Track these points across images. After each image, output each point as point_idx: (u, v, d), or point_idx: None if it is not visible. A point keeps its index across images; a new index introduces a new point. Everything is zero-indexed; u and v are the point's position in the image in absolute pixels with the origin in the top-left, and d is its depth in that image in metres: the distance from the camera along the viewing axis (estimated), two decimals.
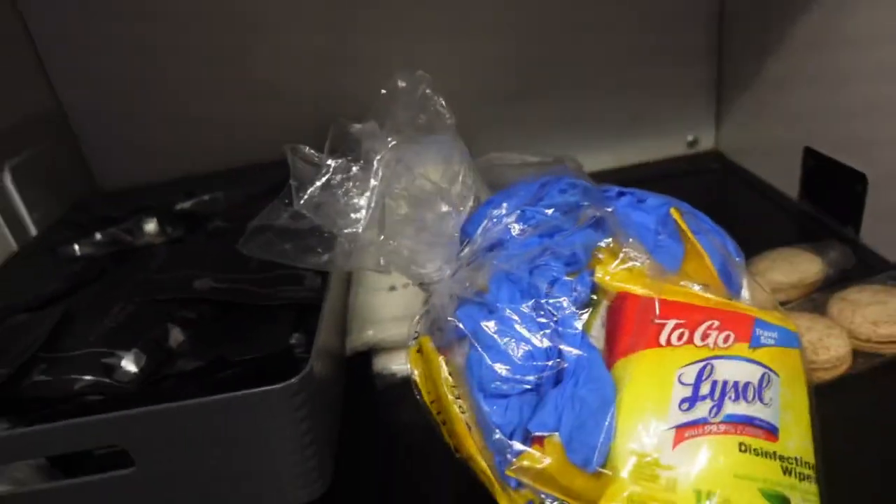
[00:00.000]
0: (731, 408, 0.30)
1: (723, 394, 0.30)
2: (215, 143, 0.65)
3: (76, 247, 0.50)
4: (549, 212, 0.39)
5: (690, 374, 0.30)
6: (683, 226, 0.40)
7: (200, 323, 0.39)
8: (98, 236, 0.51)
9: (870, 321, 0.41)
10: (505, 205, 0.39)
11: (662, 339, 0.31)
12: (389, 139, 0.38)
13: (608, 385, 0.31)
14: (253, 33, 0.62)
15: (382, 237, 0.36)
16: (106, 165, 0.67)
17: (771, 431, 0.30)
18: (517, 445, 0.31)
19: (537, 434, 0.31)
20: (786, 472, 0.29)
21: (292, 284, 0.42)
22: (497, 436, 0.32)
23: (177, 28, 0.61)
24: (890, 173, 0.49)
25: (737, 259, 0.41)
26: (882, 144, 0.49)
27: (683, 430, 0.29)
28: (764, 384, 0.30)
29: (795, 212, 0.60)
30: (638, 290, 0.33)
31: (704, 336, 0.31)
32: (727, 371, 0.31)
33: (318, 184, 0.35)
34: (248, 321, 0.39)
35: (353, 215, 0.36)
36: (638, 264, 0.34)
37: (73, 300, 0.43)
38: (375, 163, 0.37)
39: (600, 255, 0.35)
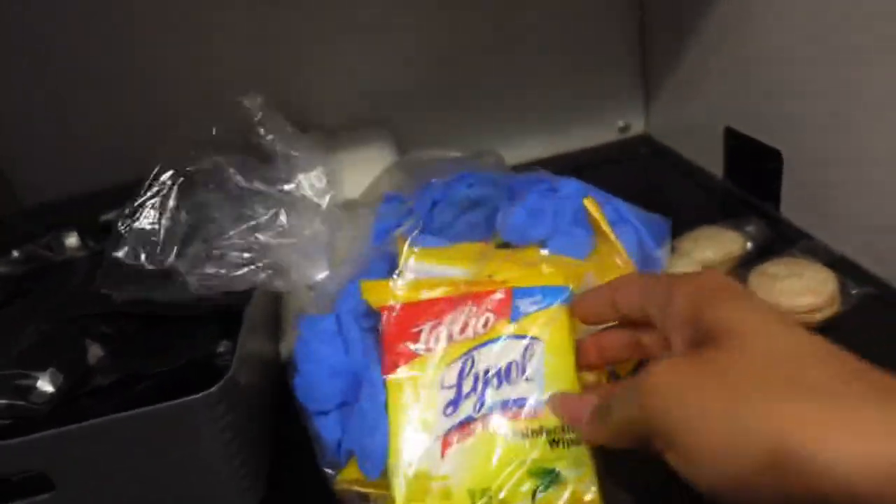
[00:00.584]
0: (493, 397, 0.30)
1: (485, 384, 0.30)
2: (139, 152, 0.63)
3: None
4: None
5: (452, 375, 0.31)
6: (597, 216, 0.41)
7: (120, 337, 0.38)
8: (15, 254, 0.49)
9: (789, 293, 0.42)
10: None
11: (420, 347, 0.32)
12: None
13: (382, 396, 0.31)
14: (174, 33, 0.61)
15: (249, 255, 0.36)
16: (27, 180, 0.65)
17: (535, 407, 0.30)
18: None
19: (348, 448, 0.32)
20: (553, 443, 0.29)
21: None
22: (327, 451, 0.33)
23: (87, 34, 0.59)
24: (801, 148, 0.51)
25: (653, 251, 0.42)
26: (792, 122, 0.51)
27: (450, 436, 0.30)
28: (527, 357, 0.31)
29: (720, 191, 0.62)
30: (392, 300, 0.33)
31: (463, 328, 0.32)
32: (489, 358, 0.31)
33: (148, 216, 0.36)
34: (170, 332, 0.38)
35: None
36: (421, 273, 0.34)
37: None
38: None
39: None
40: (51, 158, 0.63)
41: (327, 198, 0.43)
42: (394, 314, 0.32)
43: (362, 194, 0.48)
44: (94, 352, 0.37)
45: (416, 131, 0.67)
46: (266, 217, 0.38)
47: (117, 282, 0.34)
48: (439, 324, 0.32)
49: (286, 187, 0.41)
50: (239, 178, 0.38)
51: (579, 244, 0.41)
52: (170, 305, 0.40)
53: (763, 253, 0.48)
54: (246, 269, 0.36)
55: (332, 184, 0.43)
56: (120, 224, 0.35)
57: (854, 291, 0.43)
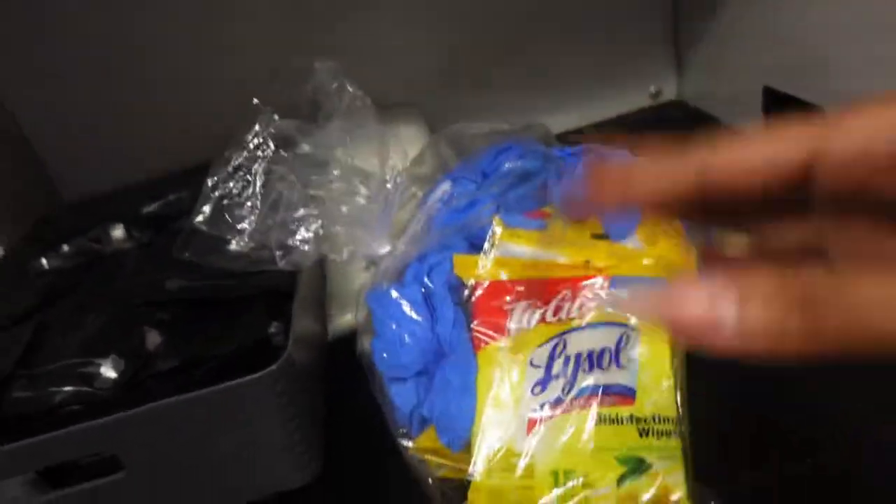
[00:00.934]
0: (584, 380, 0.30)
1: (576, 367, 0.30)
2: (173, 143, 0.64)
3: (44, 261, 0.49)
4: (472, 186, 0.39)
5: (542, 356, 0.31)
6: None
7: (176, 323, 0.39)
8: (66, 248, 0.50)
9: None
10: (447, 179, 0.39)
11: (513, 326, 0.31)
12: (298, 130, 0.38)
13: (472, 368, 0.31)
14: (206, 22, 0.61)
15: (315, 226, 0.36)
16: (68, 178, 0.66)
17: (627, 395, 0.30)
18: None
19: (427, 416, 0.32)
20: (643, 433, 0.29)
21: (264, 273, 0.42)
22: (399, 418, 0.33)
23: (118, 29, 0.60)
24: (845, 103, 0.50)
25: None
26: (834, 76, 0.50)
27: (537, 414, 0.30)
28: (622, 344, 0.30)
29: None
30: (489, 276, 0.33)
31: (557, 311, 0.31)
32: (581, 342, 0.31)
33: (231, 185, 0.36)
34: (223, 315, 0.39)
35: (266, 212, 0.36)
36: (510, 253, 0.34)
37: (46, 314, 0.42)
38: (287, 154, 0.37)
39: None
40: (91, 153, 0.65)
41: (393, 172, 0.43)
42: (488, 290, 0.32)
43: (408, 168, 0.48)
44: (153, 338, 0.38)
45: (448, 109, 0.66)
46: (336, 190, 0.38)
47: (197, 251, 0.35)
48: (534, 304, 0.32)
49: (357, 161, 0.41)
50: (307, 146, 0.38)
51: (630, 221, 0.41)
52: (220, 288, 0.41)
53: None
54: (315, 244, 0.37)
55: (396, 158, 0.43)
56: (209, 190, 0.36)
57: None
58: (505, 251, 0.35)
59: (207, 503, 0.37)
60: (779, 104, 0.58)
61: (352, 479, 0.40)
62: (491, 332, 0.32)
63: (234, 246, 0.35)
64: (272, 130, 0.36)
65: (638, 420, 0.29)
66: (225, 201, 0.35)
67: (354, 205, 0.38)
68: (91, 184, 0.65)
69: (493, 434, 0.30)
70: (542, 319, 0.32)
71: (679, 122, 0.72)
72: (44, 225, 0.58)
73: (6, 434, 0.35)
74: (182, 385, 0.33)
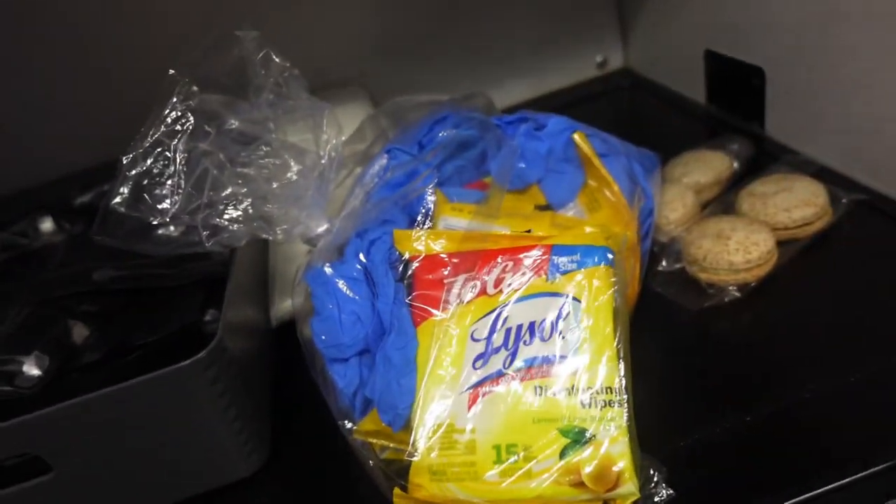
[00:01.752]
0: (525, 352, 0.29)
1: (517, 339, 0.30)
2: (109, 130, 0.61)
3: None
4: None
5: (483, 329, 0.30)
6: (587, 150, 0.40)
7: (104, 315, 0.37)
8: None
9: (782, 209, 0.41)
10: (384, 152, 0.38)
11: (452, 300, 0.31)
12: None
13: (413, 345, 0.30)
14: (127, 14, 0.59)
15: (245, 205, 0.35)
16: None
17: (569, 366, 0.29)
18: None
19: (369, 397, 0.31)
20: (584, 404, 0.28)
21: (198, 260, 0.40)
22: (341, 400, 0.32)
23: (45, 14, 0.57)
24: (783, 63, 0.50)
25: (643, 182, 0.41)
26: (773, 36, 0.50)
27: (478, 389, 0.29)
28: (563, 315, 0.30)
29: (705, 116, 0.61)
30: (427, 249, 0.32)
31: (497, 283, 0.31)
32: (522, 313, 0.30)
33: (150, 162, 0.34)
34: (155, 305, 0.38)
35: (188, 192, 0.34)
36: (451, 224, 0.33)
37: None
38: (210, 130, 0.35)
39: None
40: (19, 143, 0.62)
41: (328, 148, 0.41)
42: (427, 264, 0.32)
43: (345, 143, 0.46)
44: (79, 331, 0.37)
45: (391, 85, 0.65)
46: (266, 166, 0.36)
47: (115, 233, 0.33)
48: (473, 276, 0.31)
49: (287, 137, 0.39)
50: (236, 122, 0.36)
51: (571, 180, 0.40)
52: (152, 276, 0.39)
53: (748, 172, 0.48)
54: (253, 224, 0.35)
55: (331, 133, 0.42)
56: (123, 169, 0.33)
57: (844, 200, 0.42)
58: (445, 224, 0.35)
59: (146, 500, 0.36)
60: (720, 67, 0.58)
61: (297, 468, 0.38)
62: (429, 307, 0.31)
63: (159, 229, 0.33)
64: (192, 103, 0.34)
65: (581, 391, 0.29)
66: (145, 181, 0.33)
67: (287, 182, 0.36)
68: (22, 177, 0.62)
69: (434, 410, 0.29)
70: (483, 292, 0.31)
71: (626, 90, 0.71)
72: None
73: None
74: (109, 377, 0.32)
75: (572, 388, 0.29)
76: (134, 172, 0.33)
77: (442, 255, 0.32)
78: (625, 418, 0.28)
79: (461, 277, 0.31)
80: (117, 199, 0.33)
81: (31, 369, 0.34)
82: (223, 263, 0.40)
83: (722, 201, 0.45)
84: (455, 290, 0.31)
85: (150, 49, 0.58)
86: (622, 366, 0.29)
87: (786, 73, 0.50)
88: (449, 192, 0.37)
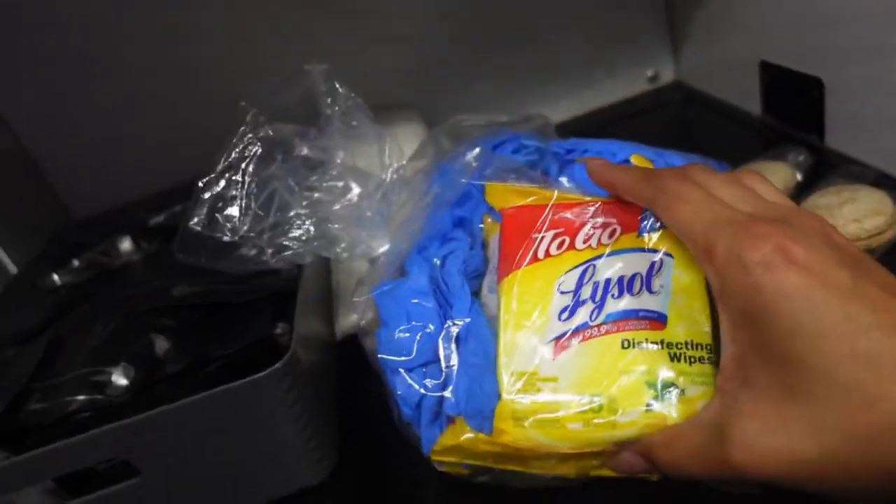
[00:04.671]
0: (612, 305, 0.29)
1: (605, 292, 0.29)
2: (178, 156, 0.65)
3: (55, 277, 0.50)
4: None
5: (570, 282, 0.30)
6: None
7: (183, 329, 0.40)
8: (76, 263, 0.51)
9: (852, 220, 0.41)
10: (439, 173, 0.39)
11: (540, 253, 0.30)
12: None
13: (492, 344, 0.30)
14: (196, 43, 0.62)
15: (308, 224, 0.36)
16: (77, 195, 0.67)
17: (658, 320, 0.28)
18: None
19: (448, 413, 0.31)
20: (673, 358, 0.28)
21: (268, 277, 0.42)
22: (404, 411, 0.32)
23: (119, 47, 0.61)
24: (843, 74, 0.49)
25: None
26: (832, 47, 0.49)
27: (563, 339, 0.29)
28: (654, 271, 0.29)
29: (760, 127, 0.61)
30: (515, 204, 0.32)
31: (587, 238, 0.30)
32: (611, 268, 0.30)
33: (222, 185, 0.36)
34: (229, 319, 0.40)
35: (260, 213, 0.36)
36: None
37: (58, 327, 0.43)
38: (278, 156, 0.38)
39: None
40: (97, 169, 0.66)
41: (390, 171, 0.43)
42: (516, 215, 0.31)
43: (406, 164, 0.48)
44: (160, 344, 0.39)
45: (444, 104, 0.67)
46: (332, 188, 0.38)
47: (193, 251, 0.35)
48: (562, 232, 0.31)
49: (351, 160, 0.41)
50: (305, 149, 0.38)
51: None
52: (226, 292, 0.41)
53: (808, 185, 0.47)
54: (315, 244, 0.37)
55: (393, 156, 0.43)
56: (199, 191, 0.36)
57: None
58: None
59: None
60: (776, 78, 0.57)
61: (364, 475, 0.40)
62: (516, 260, 0.31)
63: (232, 248, 0.35)
64: (262, 132, 0.37)
65: (669, 345, 0.28)
66: (218, 203, 0.35)
67: (350, 203, 0.38)
68: (101, 200, 0.66)
69: (518, 357, 0.29)
70: (571, 246, 0.30)
71: (678, 104, 0.71)
72: (55, 242, 0.59)
73: (23, 445, 0.36)
74: (190, 387, 0.34)
75: (661, 342, 0.28)
76: (208, 195, 0.36)
77: (532, 206, 0.32)
78: (713, 374, 0.27)
79: (550, 233, 0.31)
80: (194, 220, 0.36)
81: (119, 379, 0.37)
82: (291, 279, 0.42)
83: None
84: (543, 245, 0.31)
85: (220, 80, 0.61)
86: (712, 323, 0.29)
87: (845, 82, 0.49)
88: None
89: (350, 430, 0.42)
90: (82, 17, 0.59)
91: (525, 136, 0.44)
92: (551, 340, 0.29)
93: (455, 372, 0.31)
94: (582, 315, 0.29)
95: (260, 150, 0.36)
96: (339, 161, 0.40)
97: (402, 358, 0.33)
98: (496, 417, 0.29)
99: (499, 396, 0.29)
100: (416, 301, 0.33)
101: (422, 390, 0.33)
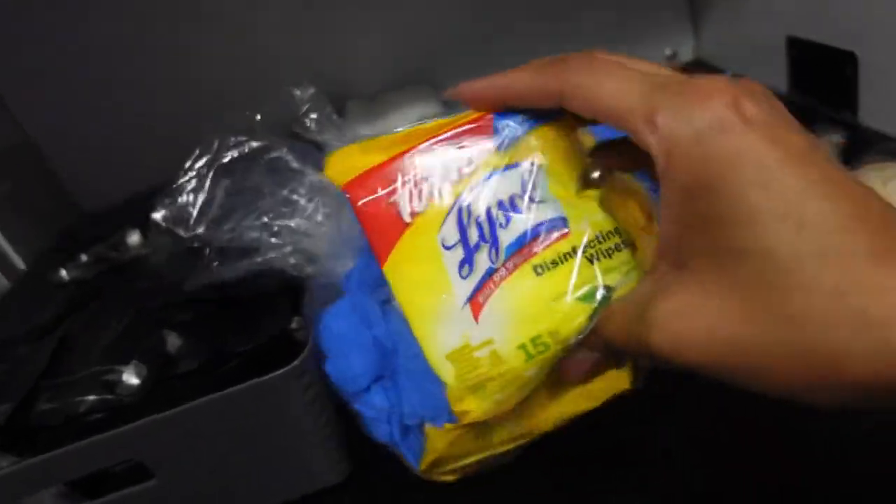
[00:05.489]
0: (507, 236, 0.25)
1: (492, 227, 0.25)
2: (189, 148, 0.63)
3: (64, 272, 0.49)
4: None
5: (451, 232, 0.26)
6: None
7: (196, 324, 0.38)
8: (84, 258, 0.50)
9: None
10: None
11: (406, 216, 0.26)
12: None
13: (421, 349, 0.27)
14: (206, 33, 0.60)
15: (268, 237, 0.35)
16: (87, 190, 0.66)
17: (560, 227, 0.25)
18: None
19: (409, 423, 0.29)
20: (592, 258, 0.25)
21: (284, 270, 0.41)
22: (376, 430, 0.31)
23: (128, 39, 0.59)
24: (879, 47, 0.47)
25: None
26: (868, 19, 0.47)
27: (477, 297, 0.25)
28: (529, 183, 0.26)
29: (789, 106, 0.58)
30: (358, 170, 0.27)
31: (444, 175, 0.26)
32: (485, 197, 0.26)
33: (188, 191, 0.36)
34: (243, 314, 0.38)
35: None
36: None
37: (67, 325, 0.42)
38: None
39: None
40: (106, 163, 0.65)
41: None
42: (363, 189, 0.27)
43: None
44: (173, 341, 0.38)
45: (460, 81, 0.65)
46: (304, 203, 0.37)
47: (159, 254, 0.34)
48: (417, 180, 0.26)
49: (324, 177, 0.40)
50: (285, 160, 0.37)
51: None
52: (240, 287, 0.40)
53: (843, 164, 0.45)
54: (275, 254, 0.36)
55: None
56: (160, 199, 0.36)
57: None
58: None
59: None
60: (805, 54, 0.55)
61: (384, 476, 0.38)
62: (389, 235, 0.27)
63: (198, 255, 0.36)
64: (236, 141, 0.36)
65: (584, 249, 0.25)
66: (186, 207, 0.35)
67: (321, 220, 0.37)
68: (110, 194, 0.65)
69: (442, 340, 0.26)
70: (435, 192, 0.26)
71: None
72: (64, 237, 0.58)
73: (34, 447, 0.34)
74: (205, 386, 0.32)
75: (571, 250, 0.25)
76: (175, 199, 0.36)
77: (374, 168, 0.27)
78: (632, 256, 0.25)
79: (406, 189, 0.26)
80: (159, 219, 0.36)
81: (131, 378, 0.35)
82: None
83: None
84: (404, 206, 0.26)
85: (232, 71, 0.60)
86: (610, 207, 0.26)
87: (881, 56, 0.47)
88: None
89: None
90: (90, 9, 0.58)
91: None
92: (465, 304, 0.25)
93: (399, 382, 0.30)
94: (482, 261, 0.25)
95: (229, 158, 0.35)
96: (311, 178, 0.39)
97: (354, 384, 0.31)
98: (452, 403, 0.26)
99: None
100: (344, 324, 0.31)
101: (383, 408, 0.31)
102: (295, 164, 0.38)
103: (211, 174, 0.35)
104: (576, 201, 0.26)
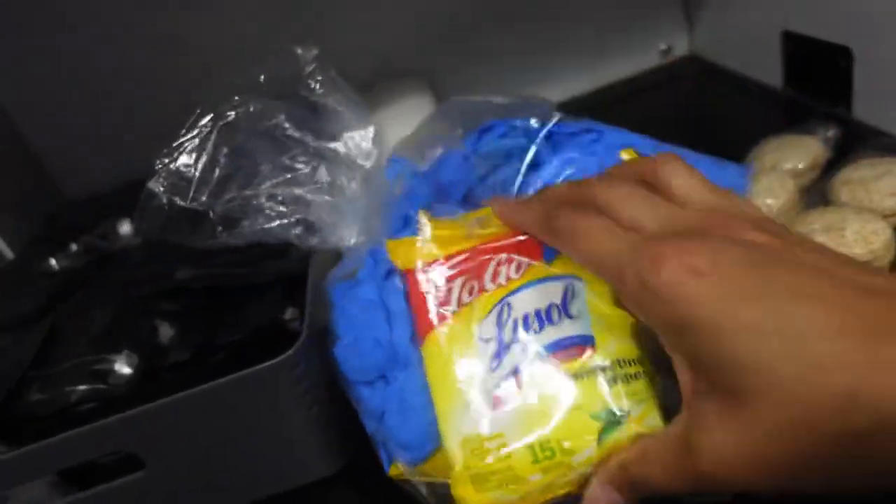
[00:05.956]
0: (538, 341, 0.28)
1: (526, 330, 0.28)
2: (177, 135, 0.62)
3: (53, 261, 0.48)
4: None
5: (489, 327, 0.28)
6: None
7: (188, 314, 0.38)
8: (74, 247, 0.49)
9: (888, 194, 0.39)
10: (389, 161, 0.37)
11: (453, 305, 0.29)
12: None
13: (419, 375, 0.29)
14: (195, 19, 0.60)
15: (272, 206, 0.34)
16: (71, 177, 0.65)
17: (585, 344, 0.27)
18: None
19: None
20: (611, 381, 0.27)
21: (276, 258, 0.40)
22: (370, 424, 0.31)
23: (111, 23, 0.58)
24: (874, 41, 0.47)
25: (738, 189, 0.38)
26: (863, 14, 0.47)
27: (498, 391, 0.27)
28: (568, 298, 0.28)
29: (782, 102, 0.58)
30: (423, 256, 0.30)
31: (495, 276, 0.29)
32: (525, 303, 0.28)
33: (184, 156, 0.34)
34: (235, 303, 0.38)
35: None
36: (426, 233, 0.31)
37: (56, 314, 0.41)
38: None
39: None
40: (91, 151, 0.63)
41: (372, 158, 0.41)
42: (421, 274, 0.30)
43: (396, 146, 0.45)
44: (164, 331, 0.37)
45: (451, 78, 0.64)
46: (307, 170, 0.36)
47: (154, 220, 0.33)
48: (469, 278, 0.29)
49: (331, 144, 0.39)
50: (286, 126, 0.36)
51: None
52: (231, 275, 0.39)
53: (837, 158, 0.45)
54: (278, 223, 0.35)
55: (377, 144, 0.42)
56: (157, 163, 0.34)
57: None
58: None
59: (232, 498, 0.36)
60: (800, 49, 0.55)
61: (379, 468, 0.38)
62: (434, 319, 0.29)
63: (192, 221, 0.34)
64: (240, 103, 0.35)
65: (603, 369, 0.27)
66: (182, 173, 0.34)
67: (325, 188, 0.36)
68: (95, 182, 0.64)
69: (459, 424, 0.27)
70: (482, 290, 0.29)
71: (693, 78, 0.69)
72: (50, 225, 0.57)
73: (24, 438, 0.34)
74: (197, 376, 0.32)
75: (592, 369, 0.27)
76: (172, 164, 0.34)
77: (434, 261, 0.30)
78: (650, 389, 0.27)
79: (458, 280, 0.30)
80: (155, 188, 0.34)
81: (122, 368, 0.35)
82: (300, 261, 0.40)
83: (818, 193, 0.43)
84: (454, 295, 0.29)
85: (220, 55, 0.59)
86: (639, 337, 0.28)
87: (876, 51, 0.47)
88: (440, 210, 0.34)
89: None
90: None
91: (521, 119, 0.41)
92: (488, 395, 0.27)
93: (391, 401, 0.30)
94: (511, 360, 0.28)
95: (230, 120, 0.34)
96: (317, 143, 0.38)
97: (361, 374, 0.31)
98: (453, 486, 0.28)
99: (437, 442, 0.28)
100: (365, 311, 0.31)
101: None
102: (296, 131, 0.37)
103: (213, 136, 0.34)
104: (609, 322, 0.28)
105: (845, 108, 0.51)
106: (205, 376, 0.32)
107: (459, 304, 0.29)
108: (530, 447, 0.26)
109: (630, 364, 0.27)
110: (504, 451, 0.27)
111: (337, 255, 0.50)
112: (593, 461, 0.26)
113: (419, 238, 0.31)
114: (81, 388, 0.34)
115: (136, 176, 0.61)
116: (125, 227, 0.50)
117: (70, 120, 0.62)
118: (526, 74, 0.68)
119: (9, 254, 0.54)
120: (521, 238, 0.30)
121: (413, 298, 0.30)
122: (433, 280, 0.30)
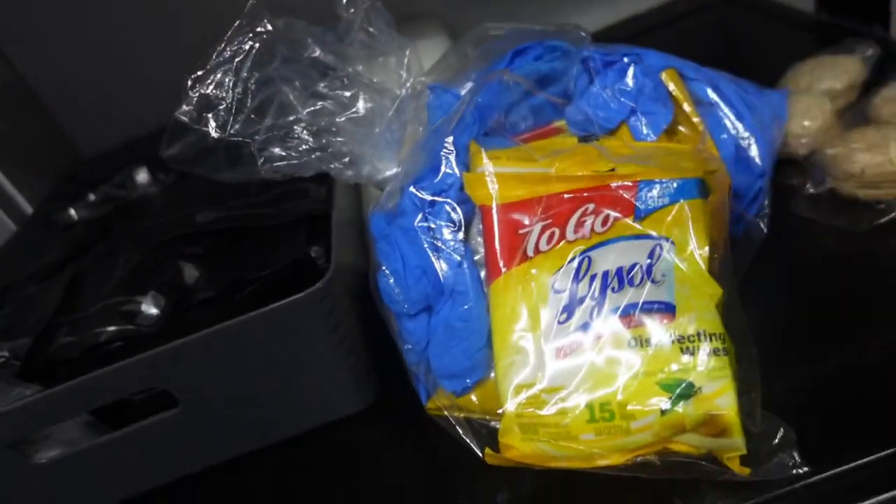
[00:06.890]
0: (614, 301, 0.26)
1: (604, 287, 0.27)
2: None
3: (72, 212, 0.48)
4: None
5: (565, 279, 0.27)
6: (677, 92, 0.35)
7: (212, 256, 0.37)
8: (92, 197, 0.49)
9: None
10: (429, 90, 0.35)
11: (530, 250, 0.28)
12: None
13: (477, 310, 0.28)
14: None
15: (308, 137, 0.33)
16: (87, 133, 0.65)
17: (666, 311, 0.26)
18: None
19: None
20: (685, 352, 0.25)
21: (297, 199, 0.40)
22: (411, 358, 0.31)
23: None
24: None
25: (752, 135, 0.36)
26: None
27: (564, 344, 0.26)
28: (654, 258, 0.27)
29: (814, 27, 0.56)
30: (497, 200, 0.29)
31: (578, 227, 0.28)
32: (608, 259, 0.27)
33: (215, 82, 0.32)
34: (259, 244, 0.37)
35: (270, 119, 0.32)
36: (509, 170, 0.29)
37: (79, 263, 0.41)
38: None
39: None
40: (105, 105, 0.63)
41: (407, 86, 0.39)
42: (500, 213, 0.29)
43: (427, 73, 0.44)
44: (189, 272, 0.37)
45: (468, 18, 0.62)
46: (342, 100, 0.34)
47: (182, 154, 0.31)
48: (551, 223, 0.28)
49: (364, 70, 0.37)
50: (315, 51, 0.34)
51: (655, 120, 0.34)
52: (253, 216, 0.39)
53: (875, 77, 0.43)
54: (315, 155, 0.33)
55: (413, 69, 0.39)
56: (188, 87, 0.32)
57: None
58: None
59: (266, 433, 0.36)
60: None
61: (408, 404, 0.38)
62: (504, 261, 0.28)
63: (222, 151, 0.32)
64: (270, 27, 0.33)
65: (680, 339, 0.26)
66: (210, 99, 0.31)
67: (359, 117, 0.34)
68: (113, 138, 0.63)
69: (518, 369, 0.27)
70: (562, 238, 0.28)
71: (719, 6, 0.66)
72: (69, 180, 0.56)
73: (56, 378, 0.34)
74: (224, 314, 0.32)
75: (671, 336, 0.26)
76: (197, 91, 0.32)
77: (515, 202, 0.29)
78: (732, 368, 0.25)
79: (538, 225, 0.28)
80: (182, 116, 0.32)
81: (150, 308, 0.35)
82: (321, 201, 0.40)
83: (860, 112, 0.41)
84: (532, 240, 0.28)
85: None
86: (724, 312, 0.27)
87: None
88: (488, 142, 0.32)
89: (395, 358, 0.40)
90: None
91: (553, 42, 0.39)
92: (552, 346, 0.27)
93: (436, 331, 0.30)
94: (581, 315, 0.27)
95: (260, 46, 0.32)
96: (351, 69, 0.36)
97: (404, 306, 0.31)
98: (501, 433, 0.27)
99: (481, 371, 0.28)
100: (410, 242, 0.30)
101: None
102: (330, 56, 0.35)
103: (248, 61, 0.32)
104: (694, 292, 0.26)
105: (882, 27, 0.49)
106: (232, 312, 0.31)
107: (536, 250, 0.28)
108: (590, 405, 0.26)
109: (711, 339, 0.26)
110: (561, 405, 0.26)
111: (357, 197, 0.49)
112: (653, 430, 0.25)
113: (495, 172, 0.29)
114: (110, 328, 0.34)
115: (150, 131, 0.61)
116: (143, 175, 0.50)
117: (83, 76, 0.61)
118: (545, 8, 0.65)
119: (28, 209, 0.54)
120: (614, 185, 0.28)
121: (488, 234, 0.29)
122: (510, 222, 0.29)
